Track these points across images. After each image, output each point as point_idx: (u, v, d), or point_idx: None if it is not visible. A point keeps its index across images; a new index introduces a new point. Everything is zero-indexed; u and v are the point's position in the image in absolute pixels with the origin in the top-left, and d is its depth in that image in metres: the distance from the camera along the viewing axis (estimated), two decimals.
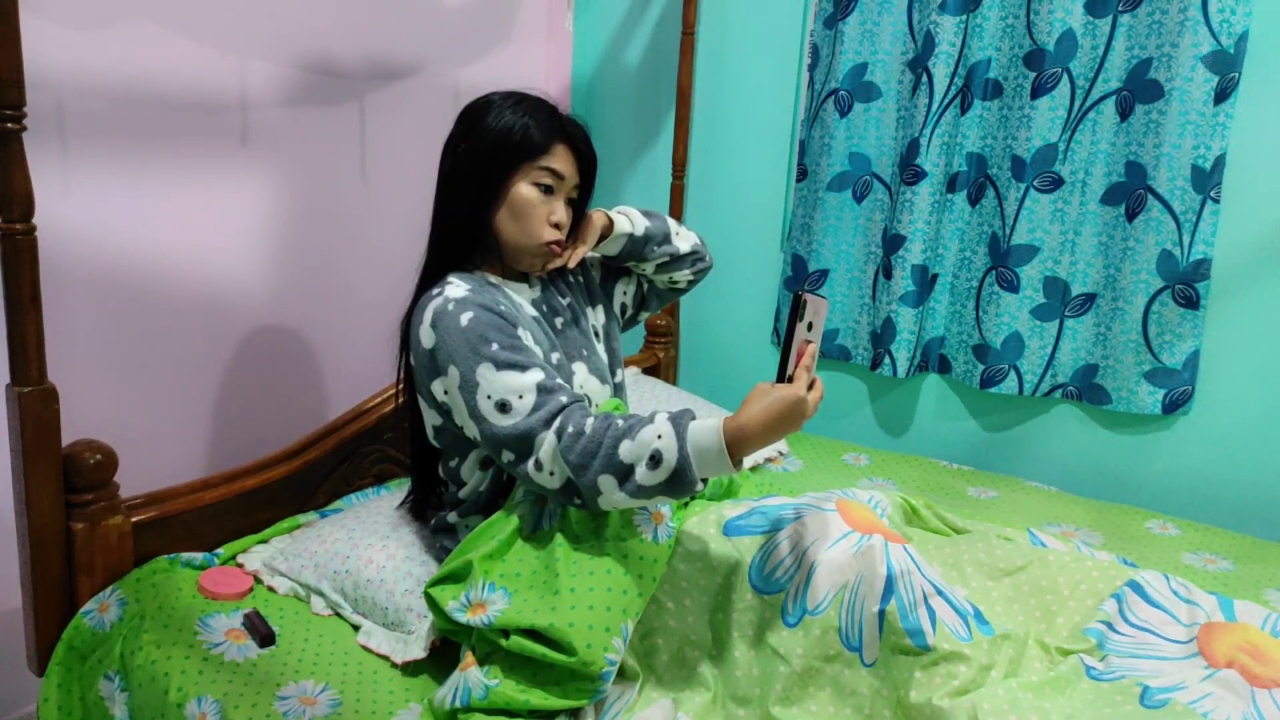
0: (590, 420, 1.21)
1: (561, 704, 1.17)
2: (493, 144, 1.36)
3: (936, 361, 2.24)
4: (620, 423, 1.20)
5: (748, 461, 1.96)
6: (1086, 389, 2.06)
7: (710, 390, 2.52)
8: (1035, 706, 1.06)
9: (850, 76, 2.19)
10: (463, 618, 1.22)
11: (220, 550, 1.56)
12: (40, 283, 1.29)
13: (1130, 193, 1.94)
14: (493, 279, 1.43)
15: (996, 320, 2.09)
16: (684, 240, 1.61)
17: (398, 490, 1.73)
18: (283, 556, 1.52)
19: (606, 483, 1.18)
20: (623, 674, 1.26)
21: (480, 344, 1.27)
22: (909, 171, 2.10)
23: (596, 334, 1.55)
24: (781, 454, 2.12)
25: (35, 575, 1.36)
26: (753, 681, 1.20)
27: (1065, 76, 1.95)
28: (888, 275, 2.18)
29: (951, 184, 2.12)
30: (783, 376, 1.16)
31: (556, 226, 1.41)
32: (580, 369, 1.45)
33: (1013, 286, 2.07)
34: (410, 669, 1.32)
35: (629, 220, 1.53)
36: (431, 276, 1.42)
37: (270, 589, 1.49)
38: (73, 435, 1.39)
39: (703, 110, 2.49)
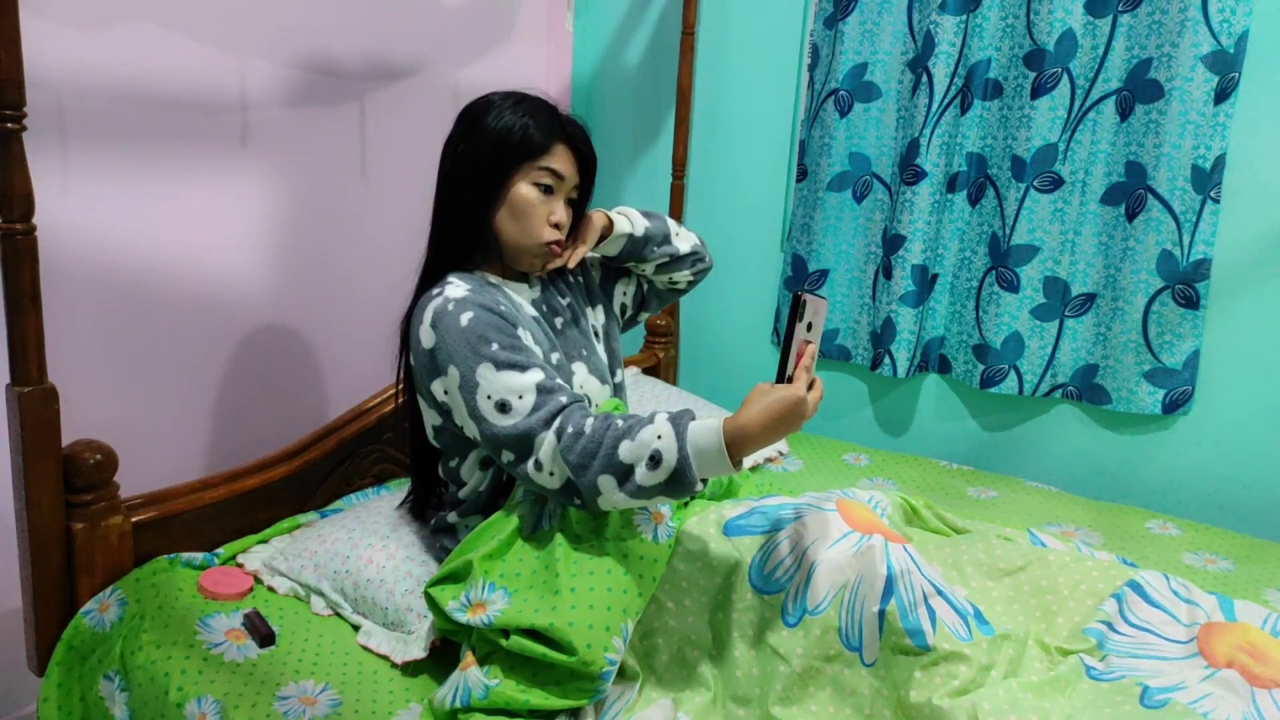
0: (590, 420, 1.21)
1: (561, 704, 1.17)
2: (493, 144, 1.36)
3: (936, 361, 2.24)
4: (620, 423, 1.20)
5: (747, 461, 1.96)
6: (1086, 389, 2.06)
7: (710, 390, 2.52)
8: (1035, 706, 1.07)
9: (850, 76, 2.19)
10: (463, 618, 1.22)
11: (220, 550, 1.56)
12: (40, 283, 1.29)
13: (1130, 193, 1.94)
14: (493, 279, 1.43)
15: (996, 320, 2.09)
16: (684, 241, 1.61)
17: (398, 490, 1.73)
18: (283, 556, 1.52)
19: (606, 483, 1.18)
20: (623, 674, 1.26)
21: (480, 344, 1.27)
22: (909, 171, 2.10)
23: (596, 334, 1.55)
24: (781, 454, 2.12)
25: (35, 575, 1.36)
26: (753, 681, 1.20)
27: (1065, 76, 1.95)
28: (888, 275, 2.18)
29: (951, 184, 2.12)
30: (782, 377, 1.16)
31: (556, 226, 1.41)
32: (580, 369, 1.45)
33: (1013, 286, 2.07)
34: (410, 669, 1.32)
35: (629, 220, 1.53)
36: (431, 276, 1.42)
37: (270, 589, 1.49)
38: (73, 435, 1.39)
39: (703, 110, 2.49)
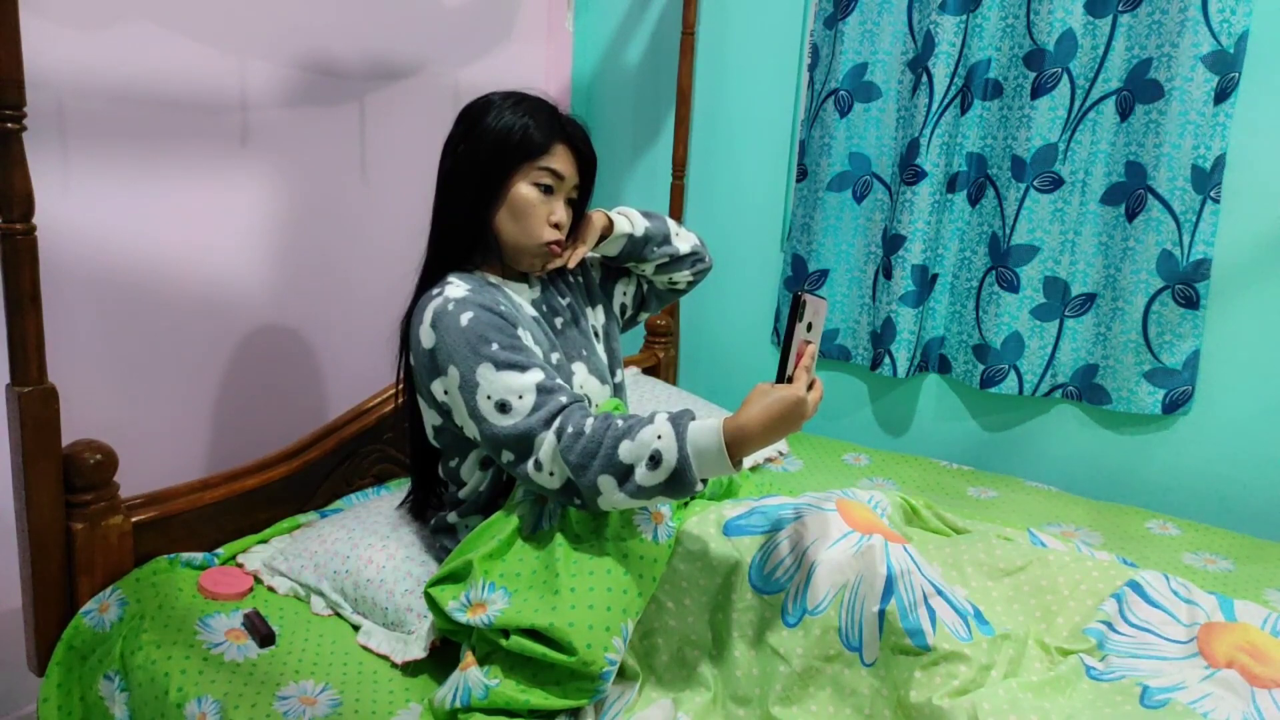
0: (590, 420, 1.21)
1: (561, 704, 1.17)
2: (493, 144, 1.36)
3: (936, 361, 2.24)
4: (620, 423, 1.20)
5: (747, 461, 1.96)
6: (1086, 389, 2.06)
7: (710, 390, 2.52)
8: (1035, 706, 1.07)
9: (850, 76, 2.19)
10: (463, 618, 1.22)
11: (220, 550, 1.56)
12: (40, 282, 1.29)
13: (1130, 193, 1.94)
14: (493, 279, 1.43)
15: (996, 320, 2.09)
16: (684, 241, 1.61)
17: (398, 490, 1.73)
18: (283, 556, 1.52)
19: (606, 483, 1.18)
20: (623, 674, 1.26)
21: (480, 344, 1.27)
22: (909, 171, 2.10)
23: (596, 334, 1.55)
24: (781, 454, 2.12)
25: (35, 575, 1.36)
26: (753, 681, 1.20)
27: (1065, 76, 1.95)
28: (888, 275, 2.18)
29: (951, 184, 2.12)
30: (782, 377, 1.16)
31: (556, 226, 1.41)
32: (580, 369, 1.45)
33: (1013, 286, 2.07)
34: (410, 669, 1.32)
35: (629, 221, 1.53)
36: (431, 276, 1.42)
37: (270, 589, 1.49)
38: (73, 435, 1.39)
39: (703, 110, 2.49)
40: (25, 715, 1.72)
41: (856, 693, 1.15)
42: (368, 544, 1.48)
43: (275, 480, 1.68)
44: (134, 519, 1.46)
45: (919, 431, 2.32)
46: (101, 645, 1.37)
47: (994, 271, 2.10)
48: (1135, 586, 1.28)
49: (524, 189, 1.38)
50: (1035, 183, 2.01)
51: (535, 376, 1.25)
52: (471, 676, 1.19)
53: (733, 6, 2.39)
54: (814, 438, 2.25)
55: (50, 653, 1.39)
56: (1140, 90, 1.90)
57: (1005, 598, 1.30)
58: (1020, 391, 2.11)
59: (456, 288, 1.33)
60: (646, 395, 2.13)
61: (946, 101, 2.06)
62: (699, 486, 1.17)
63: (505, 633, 1.19)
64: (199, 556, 1.52)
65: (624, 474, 1.17)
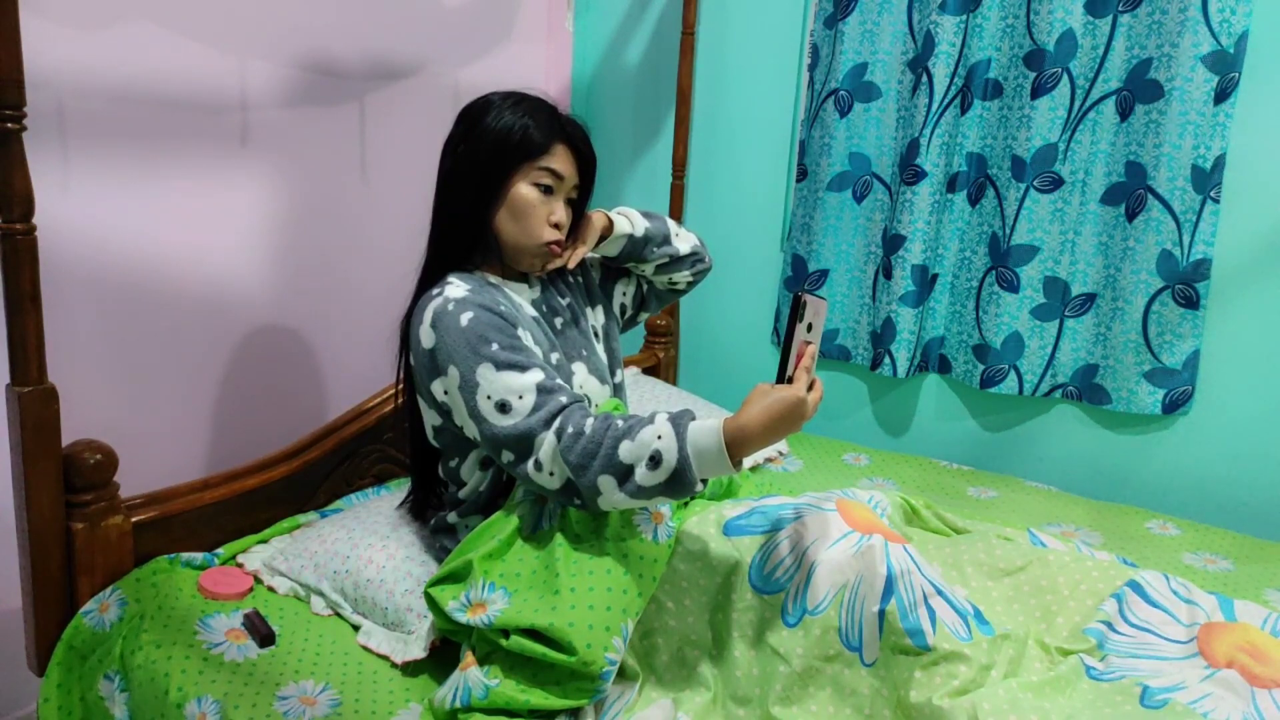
0: (590, 421, 1.21)
1: (561, 704, 1.17)
2: (492, 144, 1.36)
3: (936, 361, 2.24)
4: (620, 423, 1.19)
5: (747, 462, 1.96)
6: (1086, 389, 2.06)
7: (710, 390, 2.52)
8: (1035, 706, 1.06)
9: (850, 76, 2.19)
10: (463, 618, 1.22)
11: (220, 550, 1.56)
12: (40, 282, 1.29)
13: (1130, 193, 1.94)
14: (492, 279, 1.43)
15: (996, 320, 2.09)
16: (684, 241, 1.61)
17: (398, 490, 1.73)
18: (283, 556, 1.52)
19: (606, 483, 1.18)
20: (623, 674, 1.26)
21: (480, 344, 1.27)
22: (909, 171, 2.10)
23: (596, 334, 1.55)
24: (781, 454, 2.12)
25: (35, 575, 1.36)
26: (753, 681, 1.20)
27: (1065, 76, 1.95)
28: (888, 275, 2.18)
29: (951, 184, 2.12)
30: (782, 377, 1.16)
31: (556, 227, 1.41)
32: (580, 369, 1.45)
33: (1013, 286, 2.07)
34: (410, 669, 1.32)
35: (629, 221, 1.53)
36: (431, 276, 1.42)
37: (270, 589, 1.49)
38: (73, 435, 1.39)
39: (703, 110, 2.49)
40: (25, 715, 1.72)
41: (856, 693, 1.15)
42: (368, 544, 1.48)
43: (275, 480, 1.68)
44: (134, 519, 1.46)
45: (919, 431, 2.32)
46: (101, 645, 1.37)
47: (994, 271, 2.10)
48: (1135, 586, 1.28)
49: (524, 189, 1.38)
50: (1035, 183, 2.01)
51: (535, 376, 1.25)
52: (471, 676, 1.19)
53: (733, 6, 2.39)
54: (814, 438, 2.25)
55: (50, 653, 1.39)
56: (1140, 90, 1.90)
57: (1005, 598, 1.30)
58: (1020, 391, 2.11)
59: (456, 288, 1.33)
60: (646, 395, 2.13)
61: (946, 101, 2.06)
62: (699, 487, 1.17)
63: (505, 633, 1.19)
64: (199, 556, 1.52)
65: (624, 474, 1.17)
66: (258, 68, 1.85)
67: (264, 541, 1.61)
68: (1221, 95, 1.82)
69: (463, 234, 1.40)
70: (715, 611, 1.25)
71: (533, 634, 1.18)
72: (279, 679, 1.28)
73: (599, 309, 1.58)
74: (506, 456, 1.26)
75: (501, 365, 1.25)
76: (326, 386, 2.11)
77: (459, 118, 1.42)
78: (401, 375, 1.47)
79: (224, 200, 1.85)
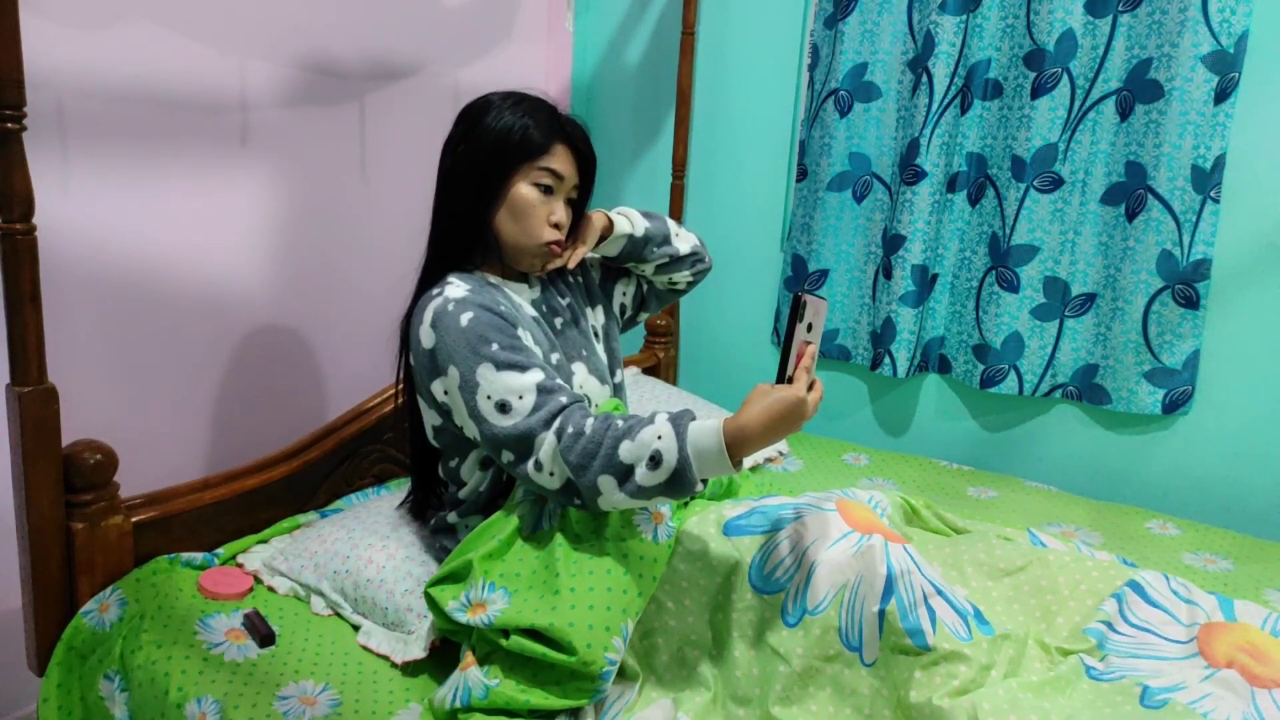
0: (590, 421, 1.21)
1: (561, 704, 1.17)
2: (492, 144, 1.36)
3: (936, 361, 2.24)
4: (620, 423, 1.19)
5: (747, 462, 1.96)
6: (1086, 389, 2.06)
7: (710, 390, 2.52)
8: (1035, 706, 1.06)
9: (850, 76, 2.19)
10: (463, 618, 1.22)
11: (220, 550, 1.56)
12: (40, 282, 1.29)
13: (1130, 193, 1.94)
14: (492, 279, 1.43)
15: (996, 320, 2.09)
16: (683, 241, 1.61)
17: (398, 490, 1.73)
18: (283, 556, 1.52)
19: (606, 483, 1.18)
20: (623, 674, 1.26)
21: (480, 344, 1.27)
22: (909, 171, 2.10)
23: (596, 334, 1.55)
24: (781, 454, 2.12)
25: (35, 575, 1.36)
26: (753, 681, 1.20)
27: (1065, 76, 1.95)
28: (888, 275, 2.18)
29: (951, 184, 2.12)
30: (782, 377, 1.16)
31: (556, 227, 1.41)
32: (580, 369, 1.45)
33: (1013, 286, 2.07)
34: (410, 669, 1.32)
35: (629, 221, 1.53)
36: (431, 276, 1.42)
37: (270, 589, 1.49)
38: (73, 435, 1.39)
39: (703, 110, 2.49)
40: (25, 715, 1.72)
41: (856, 693, 1.15)
42: (368, 544, 1.48)
43: (275, 480, 1.68)
44: (134, 519, 1.46)
45: (919, 431, 2.32)
46: (101, 645, 1.37)
47: (994, 271, 2.10)
48: (1135, 586, 1.28)
49: (524, 189, 1.38)
50: (1035, 183, 2.01)
51: (535, 377, 1.25)
52: (471, 676, 1.19)
53: (733, 6, 2.39)
54: (814, 438, 2.25)
55: (50, 653, 1.39)
56: (1140, 90, 1.90)
57: (1005, 598, 1.30)
58: (1020, 391, 2.11)
59: (456, 288, 1.33)
60: (646, 395, 2.13)
61: (946, 101, 2.06)
62: (699, 487, 1.17)
63: (505, 633, 1.19)
64: (199, 556, 1.52)
65: (624, 474, 1.17)
66: (258, 68, 1.85)
67: (264, 541, 1.61)
68: (1221, 95, 1.82)
69: (463, 234, 1.40)
70: (715, 611, 1.25)
71: (533, 634, 1.18)
72: (279, 679, 1.28)
73: (599, 309, 1.58)
74: (506, 456, 1.26)
75: (501, 365, 1.25)
76: (326, 386, 2.11)
77: (459, 118, 1.42)
78: (401, 375, 1.47)
79: (224, 200, 1.85)
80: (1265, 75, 1.81)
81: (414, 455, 1.53)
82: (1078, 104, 1.96)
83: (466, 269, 1.43)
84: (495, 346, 1.27)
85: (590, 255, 1.59)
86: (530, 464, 1.24)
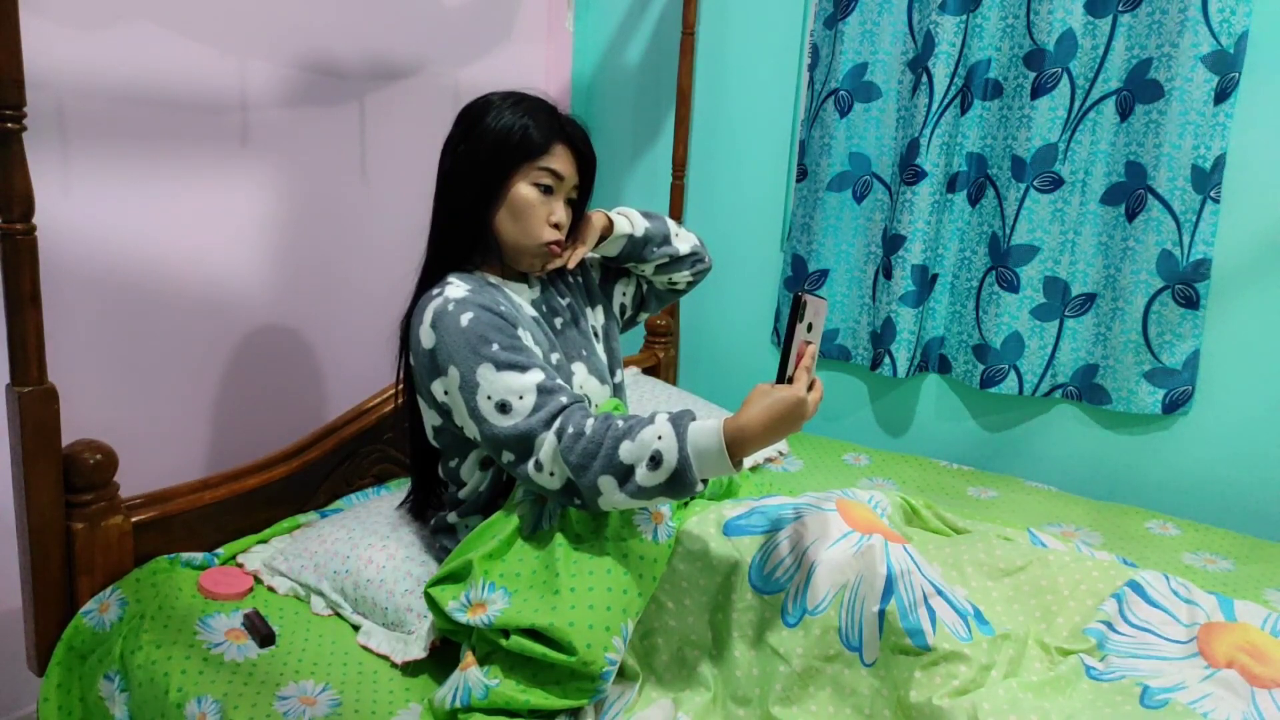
0: (590, 421, 1.21)
1: (561, 704, 1.17)
2: (492, 144, 1.36)
3: (936, 361, 2.24)
4: (620, 423, 1.20)
5: (747, 462, 1.96)
6: (1086, 389, 2.06)
7: (710, 390, 2.52)
8: (1035, 706, 1.07)
9: (850, 76, 2.19)
10: (463, 618, 1.22)
11: (220, 550, 1.56)
12: (40, 282, 1.29)
13: (1130, 193, 1.94)
14: (492, 279, 1.43)
15: (996, 320, 2.09)
16: (683, 241, 1.61)
17: (398, 490, 1.73)
18: (283, 556, 1.52)
19: (607, 483, 1.18)
20: (623, 674, 1.26)
21: (480, 344, 1.27)
22: (909, 171, 2.10)
23: (596, 334, 1.55)
24: (781, 454, 2.12)
25: (35, 575, 1.36)
26: (753, 681, 1.20)
27: (1065, 76, 1.95)
28: (888, 275, 2.18)
29: (951, 184, 2.12)
30: (783, 377, 1.16)
31: (556, 227, 1.41)
32: (580, 369, 1.45)
33: (1013, 286, 2.07)
34: (410, 669, 1.32)
35: (629, 221, 1.53)
36: (431, 277, 1.42)
37: (270, 589, 1.49)
38: (73, 435, 1.39)
39: (703, 110, 2.49)
40: (25, 715, 1.72)
41: (856, 693, 1.15)
42: (368, 544, 1.48)
43: (275, 480, 1.68)
44: (134, 519, 1.46)
45: (919, 431, 2.32)
46: (101, 645, 1.37)
47: (994, 271, 2.10)
48: (1135, 586, 1.28)
49: (524, 189, 1.38)
50: (1035, 183, 2.01)
51: (535, 377, 1.25)
52: (471, 676, 1.19)
53: (733, 6, 2.39)
54: (814, 438, 2.25)
55: (50, 653, 1.39)
56: (1140, 90, 1.90)
57: (1005, 598, 1.30)
58: (1020, 391, 2.11)
59: (456, 288, 1.33)
60: (646, 395, 2.13)
61: (946, 101, 2.06)
62: (699, 487, 1.17)
63: (505, 633, 1.19)
64: (199, 556, 1.52)
65: (624, 474, 1.17)
66: (258, 68, 1.85)
67: (264, 541, 1.61)
68: (1221, 95, 1.82)
69: (463, 234, 1.40)
70: (715, 611, 1.25)
71: (533, 634, 1.18)
72: (279, 679, 1.28)
73: (599, 309, 1.58)
74: (507, 457, 1.26)
75: (502, 365, 1.25)
76: (326, 386, 2.11)
77: (459, 118, 1.42)
78: (401, 375, 1.47)
79: (224, 200, 1.85)
80: (1265, 75, 1.81)
81: (414, 455, 1.53)
82: (1078, 104, 1.96)
83: (466, 269, 1.43)
84: (495, 347, 1.27)
85: (590, 255, 1.59)
86: (530, 464, 1.24)
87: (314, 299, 2.05)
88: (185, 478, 1.61)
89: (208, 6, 1.75)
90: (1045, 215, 2.02)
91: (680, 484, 1.15)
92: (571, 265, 1.46)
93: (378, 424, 1.84)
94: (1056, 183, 2.00)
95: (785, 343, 1.17)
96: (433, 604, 1.26)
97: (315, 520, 1.66)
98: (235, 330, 1.91)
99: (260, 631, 1.36)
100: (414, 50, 2.16)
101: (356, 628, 1.41)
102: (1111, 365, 2.01)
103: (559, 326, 1.47)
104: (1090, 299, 2.03)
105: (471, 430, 1.30)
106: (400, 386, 1.49)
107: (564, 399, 1.25)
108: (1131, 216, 1.94)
